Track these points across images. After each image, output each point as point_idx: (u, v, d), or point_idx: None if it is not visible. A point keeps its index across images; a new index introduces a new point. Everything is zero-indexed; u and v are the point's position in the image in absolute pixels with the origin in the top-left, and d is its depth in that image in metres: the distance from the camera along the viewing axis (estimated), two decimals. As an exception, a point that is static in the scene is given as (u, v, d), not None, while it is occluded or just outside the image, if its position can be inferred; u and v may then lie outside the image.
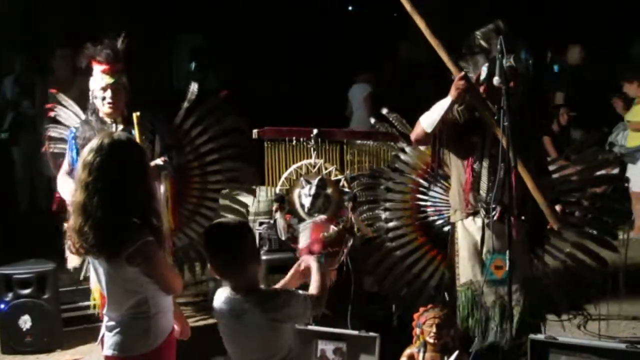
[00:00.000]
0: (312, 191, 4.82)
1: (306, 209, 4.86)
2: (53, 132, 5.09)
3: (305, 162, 4.93)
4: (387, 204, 4.90)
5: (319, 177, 4.86)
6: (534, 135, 4.59)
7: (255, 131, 5.04)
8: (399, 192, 4.88)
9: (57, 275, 5.48)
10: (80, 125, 4.77)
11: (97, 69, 4.68)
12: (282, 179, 4.95)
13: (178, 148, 5.01)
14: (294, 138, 4.96)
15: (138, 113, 4.57)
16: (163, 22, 11.07)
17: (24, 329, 5.38)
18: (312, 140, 4.91)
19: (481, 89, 4.25)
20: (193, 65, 12.92)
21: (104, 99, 4.65)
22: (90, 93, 4.72)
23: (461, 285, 4.46)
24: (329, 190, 4.86)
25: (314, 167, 4.91)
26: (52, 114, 5.11)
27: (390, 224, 4.91)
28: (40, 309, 5.39)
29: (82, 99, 5.08)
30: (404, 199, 4.87)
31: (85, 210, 3.15)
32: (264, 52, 11.91)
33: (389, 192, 4.88)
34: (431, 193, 4.82)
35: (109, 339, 3.33)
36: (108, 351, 3.32)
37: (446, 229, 4.68)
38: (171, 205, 4.87)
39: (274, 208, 4.96)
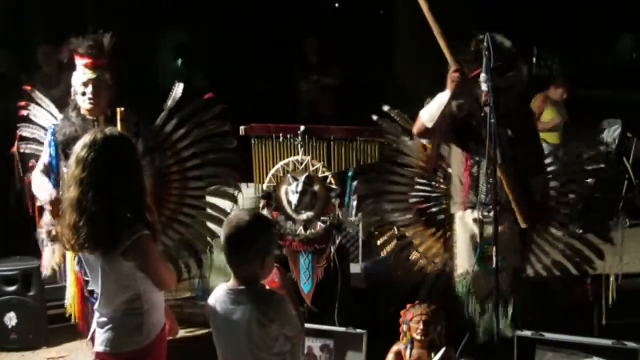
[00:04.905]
0: (299, 188, 4.83)
1: (293, 206, 4.87)
2: (25, 131, 4.89)
3: (292, 158, 4.92)
4: (391, 197, 4.88)
5: (306, 174, 4.86)
6: (531, 134, 4.60)
7: (242, 128, 5.01)
8: (402, 185, 4.85)
9: (42, 273, 5.45)
10: (60, 121, 4.59)
11: (79, 62, 4.50)
12: (269, 175, 4.94)
13: (160, 151, 4.83)
14: (280, 135, 4.94)
15: (122, 109, 4.38)
16: (149, 19, 11.02)
17: (9, 326, 5.37)
18: (299, 137, 4.89)
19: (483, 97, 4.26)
20: (179, 62, 12.89)
21: (84, 94, 4.46)
22: (72, 89, 4.55)
23: (458, 275, 4.49)
24: (316, 187, 4.87)
25: (301, 164, 4.90)
26: (24, 112, 4.89)
27: (394, 217, 4.90)
28: (26, 306, 5.38)
29: (69, 96, 5.00)
30: (407, 192, 4.85)
31: (80, 205, 3.15)
32: (251, 49, 11.89)
33: (392, 185, 4.87)
34: (433, 184, 4.80)
35: (100, 335, 3.33)
36: (100, 347, 3.31)
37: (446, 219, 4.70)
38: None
39: (261, 205, 4.96)
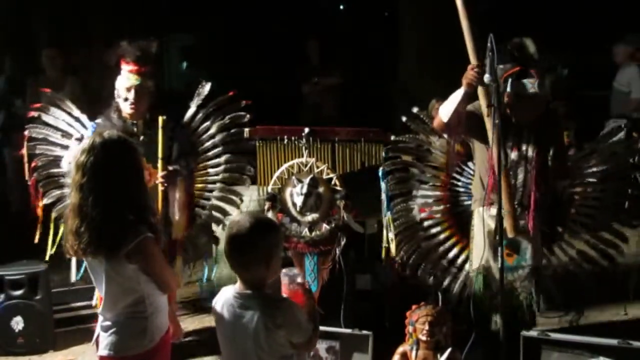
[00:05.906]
0: (304, 190, 4.84)
1: (298, 208, 4.88)
2: (34, 132, 5.02)
3: (297, 160, 4.93)
4: (419, 196, 4.90)
5: (311, 176, 4.87)
6: (557, 140, 4.60)
7: (246, 130, 5.04)
8: (430, 185, 4.88)
9: (49, 276, 5.47)
10: (102, 121, 4.77)
11: (125, 68, 4.71)
12: (274, 177, 4.95)
13: (194, 155, 5.05)
14: (285, 137, 4.95)
15: (164, 117, 4.62)
16: (154, 22, 11.03)
17: (16, 330, 5.37)
18: (304, 139, 4.90)
19: (505, 99, 4.25)
20: (185, 65, 12.90)
21: (126, 99, 4.69)
22: (115, 92, 4.74)
23: (473, 270, 4.52)
24: (321, 189, 4.88)
25: (306, 165, 4.91)
26: (34, 114, 5.04)
27: (423, 215, 4.91)
28: (32, 310, 5.37)
29: (74, 100, 5.08)
30: (436, 191, 4.87)
31: (82, 211, 3.17)
32: (254, 51, 11.90)
33: (421, 184, 4.89)
34: (461, 184, 4.83)
35: (104, 339, 3.33)
36: (103, 351, 3.32)
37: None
38: (185, 212, 4.93)
39: (265, 207, 4.96)
